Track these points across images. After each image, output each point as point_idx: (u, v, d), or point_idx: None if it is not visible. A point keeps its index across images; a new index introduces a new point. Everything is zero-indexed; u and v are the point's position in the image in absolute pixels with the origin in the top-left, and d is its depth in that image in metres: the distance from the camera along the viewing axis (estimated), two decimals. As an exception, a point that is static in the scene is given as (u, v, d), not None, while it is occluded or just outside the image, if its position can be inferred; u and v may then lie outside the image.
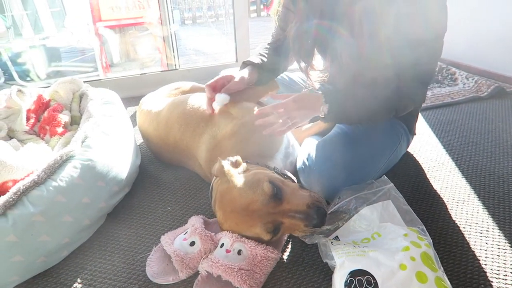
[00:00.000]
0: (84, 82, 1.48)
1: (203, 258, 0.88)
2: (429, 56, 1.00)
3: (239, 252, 0.87)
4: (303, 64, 1.20)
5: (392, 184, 1.00)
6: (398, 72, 0.98)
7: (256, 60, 1.27)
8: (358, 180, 1.04)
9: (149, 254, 0.95)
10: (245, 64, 1.28)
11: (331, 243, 0.86)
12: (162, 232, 1.02)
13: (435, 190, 1.18)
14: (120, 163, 1.12)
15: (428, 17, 0.94)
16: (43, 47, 2.73)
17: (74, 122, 1.35)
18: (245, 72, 1.22)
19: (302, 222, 0.85)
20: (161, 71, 2.39)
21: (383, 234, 0.88)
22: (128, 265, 0.95)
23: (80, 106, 1.40)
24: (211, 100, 1.16)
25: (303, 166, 1.10)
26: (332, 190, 1.02)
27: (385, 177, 1.03)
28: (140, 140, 1.54)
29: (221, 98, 1.13)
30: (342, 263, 0.78)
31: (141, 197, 1.22)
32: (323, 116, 1.01)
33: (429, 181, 1.23)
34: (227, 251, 0.88)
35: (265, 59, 1.29)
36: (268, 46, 1.35)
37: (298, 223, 0.85)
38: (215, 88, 1.17)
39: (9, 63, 2.71)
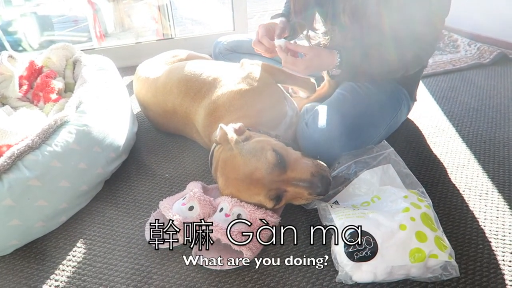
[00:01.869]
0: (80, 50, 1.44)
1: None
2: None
3: (238, 216, 0.87)
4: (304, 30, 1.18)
5: (392, 149, 0.99)
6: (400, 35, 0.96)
7: (285, 11, 1.28)
8: (358, 145, 1.03)
9: (148, 219, 0.94)
10: (275, 16, 1.27)
11: (331, 206, 0.86)
12: (160, 198, 1.02)
13: (435, 155, 1.18)
14: (116, 129, 1.10)
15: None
16: (34, 15, 2.64)
17: (68, 89, 1.32)
18: (283, 21, 1.21)
19: (306, 190, 0.84)
20: (156, 40, 2.34)
21: (383, 197, 0.88)
22: (127, 230, 0.95)
23: (74, 73, 1.37)
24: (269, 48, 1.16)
25: (302, 131, 1.08)
26: (331, 155, 1.00)
27: (385, 141, 1.02)
28: (137, 109, 1.52)
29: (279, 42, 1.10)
30: (342, 224, 0.78)
31: (138, 164, 1.21)
32: (335, 70, 1.05)
33: (429, 147, 1.22)
34: (226, 215, 0.87)
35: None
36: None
37: (302, 191, 0.84)
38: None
39: (0, 33, 2.63)
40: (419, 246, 0.71)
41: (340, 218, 0.79)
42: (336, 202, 0.93)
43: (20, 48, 2.60)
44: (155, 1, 2.69)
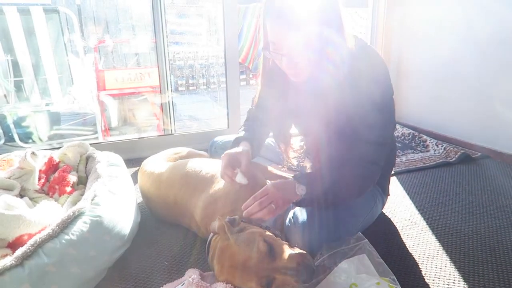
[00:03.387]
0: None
1: (199, 307, 0.97)
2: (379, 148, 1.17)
3: (233, 301, 0.97)
4: (282, 146, 1.39)
5: (366, 240, 1.13)
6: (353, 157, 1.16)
7: (247, 135, 1.36)
8: (337, 237, 1.17)
9: (148, 305, 1.03)
10: (238, 140, 1.34)
11: (314, 292, 0.97)
12: (159, 285, 1.11)
13: (408, 247, 1.31)
14: (123, 219, 1.23)
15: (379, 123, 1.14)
16: (47, 111, 2.92)
17: (80, 182, 1.48)
18: (246, 148, 1.28)
19: (292, 278, 0.96)
20: (158, 136, 2.56)
21: (359, 284, 1.00)
22: (129, 316, 1.03)
23: (86, 167, 1.54)
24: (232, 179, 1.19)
25: (289, 225, 1.23)
26: (314, 247, 1.14)
27: (360, 233, 1.17)
28: (139, 199, 1.66)
29: (240, 179, 1.15)
30: (323, 308, 0.89)
31: (140, 252, 1.31)
32: (299, 199, 1.11)
33: (402, 238, 1.37)
34: (222, 299, 0.97)
35: (252, 133, 1.38)
36: (250, 120, 1.45)
37: (289, 278, 0.96)
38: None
39: (11, 126, 2.87)
40: (390, 328, 0.82)
41: (321, 303, 0.90)
42: (319, 289, 1.04)
43: (30, 141, 2.81)
44: (157, 99, 3.01)
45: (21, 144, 2.87)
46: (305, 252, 1.03)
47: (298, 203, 1.13)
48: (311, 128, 1.18)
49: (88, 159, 1.57)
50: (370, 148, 1.14)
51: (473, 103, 2.30)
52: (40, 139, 2.80)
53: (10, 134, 2.90)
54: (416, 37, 2.70)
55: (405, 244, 1.33)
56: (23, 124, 2.80)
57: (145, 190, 1.53)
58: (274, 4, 1.02)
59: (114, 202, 1.22)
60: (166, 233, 1.43)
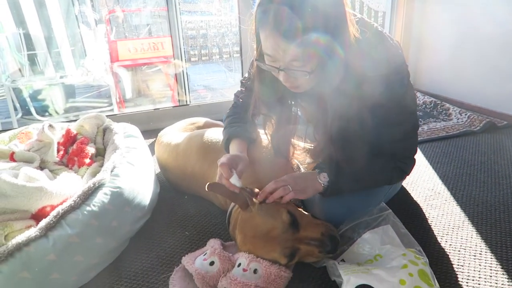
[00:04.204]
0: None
1: (222, 277, 0.97)
2: (409, 131, 1.10)
3: (255, 271, 0.96)
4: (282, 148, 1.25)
5: (390, 210, 1.11)
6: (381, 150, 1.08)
7: (243, 133, 1.24)
8: (360, 209, 1.14)
9: (171, 274, 1.03)
10: (231, 138, 1.23)
11: (338, 263, 0.96)
12: (181, 254, 1.11)
13: (432, 217, 1.28)
14: (143, 190, 1.23)
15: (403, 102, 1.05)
16: (61, 84, 2.91)
17: (98, 153, 1.47)
18: (243, 149, 1.20)
19: (317, 248, 0.95)
20: (173, 107, 2.54)
21: (384, 256, 0.98)
22: (152, 284, 1.04)
23: (103, 139, 1.53)
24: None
25: (308, 199, 1.20)
26: (336, 219, 1.11)
27: (384, 204, 1.14)
28: (157, 170, 1.66)
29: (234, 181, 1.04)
30: (349, 279, 0.88)
31: (160, 223, 1.32)
32: (322, 190, 1.06)
33: (426, 209, 1.33)
34: (244, 270, 0.97)
35: (247, 129, 1.26)
36: (239, 114, 1.32)
37: (313, 249, 0.95)
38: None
39: (28, 100, 2.88)
40: (418, 300, 0.80)
41: (346, 273, 0.89)
42: (342, 260, 1.02)
43: (47, 114, 2.82)
44: (171, 70, 2.96)
45: (38, 117, 2.89)
46: (328, 223, 1.02)
47: (323, 193, 1.08)
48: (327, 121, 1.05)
49: (105, 130, 1.56)
50: (401, 144, 1.08)
51: (499, 70, 2.19)
52: (56, 112, 2.81)
53: (27, 107, 2.92)
54: (438, 1, 2.56)
55: (429, 215, 1.30)
56: (39, 97, 2.80)
57: (162, 162, 1.52)
58: (270, 10, 0.87)
59: (133, 173, 1.21)
60: (186, 204, 1.43)
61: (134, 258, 1.14)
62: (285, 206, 1.01)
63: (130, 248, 1.18)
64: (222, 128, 1.34)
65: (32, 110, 2.88)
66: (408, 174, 1.15)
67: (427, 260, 0.94)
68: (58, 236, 0.94)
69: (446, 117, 2.30)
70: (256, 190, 1.08)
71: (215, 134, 1.41)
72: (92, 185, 1.08)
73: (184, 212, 1.38)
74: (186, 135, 1.48)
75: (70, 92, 3.07)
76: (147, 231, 1.26)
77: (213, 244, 1.06)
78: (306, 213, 1.05)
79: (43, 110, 2.82)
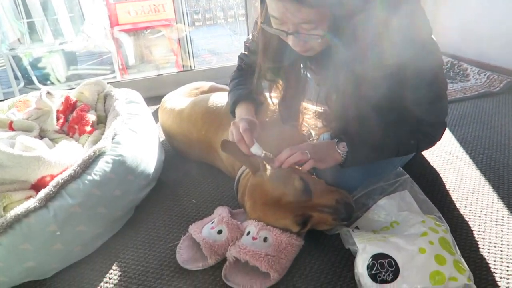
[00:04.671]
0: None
1: (231, 245, 0.93)
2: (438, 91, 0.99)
3: (265, 239, 0.92)
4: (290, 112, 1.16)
5: (408, 176, 1.04)
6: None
7: (250, 95, 1.16)
8: (375, 175, 1.08)
9: (178, 243, 1.00)
10: (238, 101, 1.15)
11: (352, 231, 0.91)
12: (188, 222, 1.07)
13: (450, 182, 1.22)
14: (147, 158, 1.18)
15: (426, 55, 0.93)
16: (61, 51, 2.82)
17: (100, 121, 1.42)
18: (251, 113, 1.12)
19: (330, 216, 0.90)
20: (177, 72, 2.46)
21: (401, 223, 0.92)
22: (159, 253, 1.00)
23: (104, 106, 1.47)
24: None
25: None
26: (350, 186, 1.05)
27: (401, 169, 1.07)
28: (162, 137, 1.60)
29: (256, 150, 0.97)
30: (364, 247, 0.83)
31: (166, 191, 1.27)
32: (341, 161, 0.97)
33: (444, 174, 1.27)
34: (254, 238, 0.93)
35: (254, 91, 1.17)
36: (244, 76, 1.23)
37: (327, 217, 0.90)
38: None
39: (28, 68, 2.80)
40: (439, 269, 0.75)
41: (361, 242, 0.84)
42: (356, 227, 0.97)
43: (48, 82, 2.76)
44: (174, 34, 2.85)
45: (40, 86, 2.83)
46: (342, 190, 0.96)
47: (343, 164, 0.97)
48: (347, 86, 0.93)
49: (106, 97, 1.49)
50: (429, 107, 0.97)
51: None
52: (58, 80, 2.74)
53: (28, 76, 2.85)
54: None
55: (447, 180, 1.23)
56: (39, 65, 2.73)
57: (166, 128, 1.46)
58: None
59: (136, 141, 1.16)
60: (192, 171, 1.38)
61: (140, 227, 1.11)
62: (297, 172, 0.95)
63: (135, 217, 1.15)
64: (228, 92, 1.27)
65: (34, 79, 2.82)
66: (438, 140, 1.07)
67: (448, 227, 0.89)
68: (59, 206, 0.90)
69: (463, 78, 2.19)
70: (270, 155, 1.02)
71: (221, 98, 1.34)
72: (92, 154, 1.03)
73: (190, 180, 1.33)
74: (191, 100, 1.41)
75: (71, 59, 2.98)
76: (152, 200, 1.22)
77: (221, 212, 1.02)
78: (319, 179, 0.99)
79: (44, 79, 2.75)
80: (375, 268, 0.78)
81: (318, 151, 0.95)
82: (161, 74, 2.39)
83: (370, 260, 0.79)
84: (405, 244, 0.80)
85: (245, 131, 0.96)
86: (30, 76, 2.81)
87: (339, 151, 0.96)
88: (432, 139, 1.06)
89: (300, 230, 0.93)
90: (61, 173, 0.99)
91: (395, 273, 0.76)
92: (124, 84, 2.28)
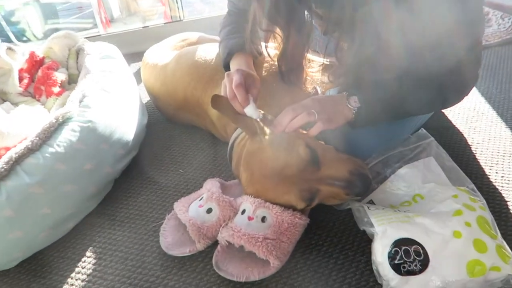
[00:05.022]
0: (84, 38, 1.34)
1: (223, 227, 0.79)
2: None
3: (263, 219, 0.77)
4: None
5: (432, 138, 0.87)
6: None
7: (247, 45, 0.97)
8: (393, 138, 0.92)
9: (162, 223, 0.86)
10: (233, 51, 0.97)
11: (367, 207, 0.76)
12: (175, 197, 0.93)
13: (477, 143, 1.05)
14: (124, 123, 1.01)
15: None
16: (37, 3, 2.55)
17: (72, 80, 1.23)
18: (250, 66, 0.95)
19: (343, 190, 0.74)
20: (164, 23, 2.22)
21: (426, 197, 0.77)
22: (140, 235, 0.87)
23: (77, 63, 1.27)
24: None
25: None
26: (363, 152, 0.89)
27: (424, 130, 0.90)
28: (146, 98, 1.42)
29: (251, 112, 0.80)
30: (384, 231, 0.68)
31: (150, 160, 1.12)
32: (352, 119, 0.81)
33: (468, 134, 1.10)
34: (250, 218, 0.78)
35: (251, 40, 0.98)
36: (238, 22, 1.04)
37: (338, 191, 0.75)
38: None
39: (3, 23, 2.54)
40: (479, 258, 0.61)
41: (381, 223, 0.69)
42: (371, 202, 0.82)
43: (25, 38, 2.51)
44: (161, -18, 2.56)
45: (18, 43, 2.58)
46: (356, 158, 0.80)
47: (353, 123, 0.81)
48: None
49: (79, 52, 1.29)
50: (461, 54, 0.78)
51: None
52: (35, 36, 2.49)
53: (3, 32, 2.60)
54: None
55: (472, 141, 1.07)
56: (13, 19, 2.46)
57: (149, 87, 1.28)
58: None
59: (110, 103, 0.98)
60: (179, 136, 1.22)
61: (119, 203, 0.97)
62: (303, 137, 0.78)
63: (114, 192, 1.00)
64: (218, 43, 1.07)
65: (11, 35, 2.56)
66: (467, 95, 0.89)
67: (485, 202, 0.73)
68: (13, 187, 0.75)
69: (485, 23, 1.95)
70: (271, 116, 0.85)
71: (211, 50, 1.14)
72: (54, 121, 0.86)
73: (177, 146, 1.17)
74: (175, 54, 1.21)
75: (49, 12, 2.71)
76: (134, 171, 1.07)
77: (211, 186, 0.86)
78: (328, 146, 0.83)
79: (20, 35, 2.50)
80: (398, 257, 0.63)
81: (326, 108, 0.78)
82: (147, 26, 2.16)
83: (392, 247, 0.65)
84: (436, 226, 0.65)
85: (237, 87, 0.79)
86: (6, 32, 2.56)
87: (349, 106, 0.80)
88: (461, 93, 0.89)
89: (306, 207, 0.78)
90: (16, 145, 0.83)
91: (424, 263, 0.62)
92: (105, 39, 2.06)
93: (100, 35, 2.16)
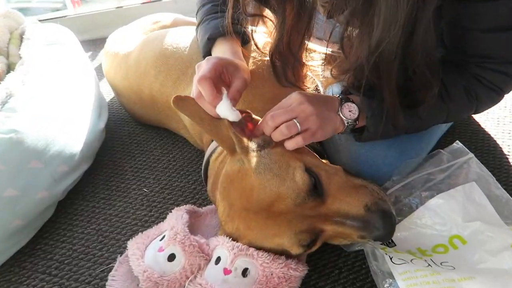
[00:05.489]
0: (51, 19, 1.10)
1: (188, 282, 0.57)
2: None
3: (245, 272, 0.56)
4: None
5: (472, 155, 0.66)
6: None
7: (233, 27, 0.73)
8: (417, 153, 0.70)
9: (113, 267, 0.64)
10: (214, 35, 0.75)
11: (390, 258, 0.54)
12: (134, 229, 0.72)
13: (513, 151, 0.84)
14: (67, 131, 0.78)
15: None
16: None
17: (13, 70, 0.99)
18: (236, 52, 0.74)
19: (357, 232, 0.53)
20: (142, 3, 1.97)
21: (470, 241, 0.56)
22: (84, 285, 0.65)
23: (20, 48, 1.03)
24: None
25: (331, 139, 0.74)
26: (378, 172, 0.68)
27: (460, 144, 0.68)
28: (111, 93, 1.19)
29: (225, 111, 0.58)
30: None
31: (108, 174, 0.89)
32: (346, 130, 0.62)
33: (503, 139, 0.89)
34: (226, 270, 0.57)
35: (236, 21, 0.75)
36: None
37: (350, 232, 0.53)
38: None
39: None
40: None
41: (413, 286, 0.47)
42: (391, 242, 0.61)
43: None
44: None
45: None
46: (373, 184, 0.58)
47: (359, 137, 0.64)
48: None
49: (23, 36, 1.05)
50: None
51: None
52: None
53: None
54: None
55: (510, 149, 0.85)
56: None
57: (110, 81, 1.05)
58: None
59: (46, 105, 0.75)
60: (148, 143, 0.99)
61: (60, 236, 0.75)
62: (301, 158, 0.57)
63: (55, 221, 0.78)
64: (196, 25, 0.84)
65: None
66: (506, 93, 0.67)
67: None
68: None
69: None
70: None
71: (184, 35, 0.92)
72: (-40, 131, 0.62)
73: (144, 156, 0.95)
74: (140, 40, 0.98)
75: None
76: (84, 191, 0.85)
77: (175, 221, 0.64)
78: (334, 166, 0.61)
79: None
80: None
81: (316, 112, 0.57)
82: (121, 7, 1.90)
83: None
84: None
85: (201, 80, 0.57)
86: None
87: (340, 115, 0.60)
88: (498, 93, 0.66)
89: (304, 252, 0.57)
90: None
91: None
92: (75, 20, 1.86)
93: (66, 16, 1.90)
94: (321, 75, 0.79)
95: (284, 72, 0.75)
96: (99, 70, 1.24)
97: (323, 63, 0.77)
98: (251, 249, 0.57)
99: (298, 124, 0.55)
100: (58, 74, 0.84)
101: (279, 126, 0.56)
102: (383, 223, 0.53)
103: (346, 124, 0.60)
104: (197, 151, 0.93)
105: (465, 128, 0.91)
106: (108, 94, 1.19)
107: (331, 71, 0.70)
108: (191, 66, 0.83)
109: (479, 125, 0.95)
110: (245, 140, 0.59)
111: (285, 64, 0.74)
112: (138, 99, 0.95)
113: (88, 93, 0.92)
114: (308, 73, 0.79)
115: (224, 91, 0.59)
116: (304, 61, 0.76)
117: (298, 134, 0.56)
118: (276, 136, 0.57)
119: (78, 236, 0.74)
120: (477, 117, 0.96)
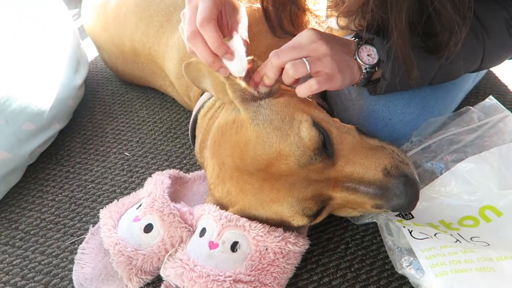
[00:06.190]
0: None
1: (167, 257, 0.48)
2: None
3: (234, 246, 0.47)
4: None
5: (509, 113, 0.55)
6: None
7: None
8: (440, 111, 0.60)
9: (83, 239, 0.55)
10: None
11: (409, 231, 0.45)
12: (111, 197, 0.63)
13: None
14: (33, 85, 0.67)
15: None
16: None
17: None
18: None
19: (372, 200, 0.44)
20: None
21: (505, 212, 0.47)
22: (50, 258, 0.57)
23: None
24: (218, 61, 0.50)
25: (339, 94, 0.63)
26: (397, 133, 0.58)
27: (493, 99, 0.58)
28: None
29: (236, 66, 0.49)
30: (444, 285, 0.37)
31: (86, 136, 0.80)
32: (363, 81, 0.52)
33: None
34: (212, 244, 0.48)
35: None
36: None
37: (364, 200, 0.44)
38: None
39: None
40: None
41: (441, 272, 0.38)
42: (408, 214, 0.51)
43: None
44: None
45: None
46: (392, 145, 0.49)
47: (374, 90, 0.54)
48: None
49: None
50: None
51: None
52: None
53: None
54: None
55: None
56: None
57: (89, 32, 0.93)
58: None
59: (9, 53, 0.64)
60: (132, 103, 0.89)
61: (28, 204, 0.66)
62: (308, 110, 0.48)
63: (22, 187, 0.69)
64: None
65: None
66: None
67: None
68: None
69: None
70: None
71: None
72: None
73: (127, 117, 0.85)
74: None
75: None
76: (59, 152, 0.75)
77: (153, 187, 0.54)
78: (345, 125, 0.51)
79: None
80: None
81: (332, 53, 0.46)
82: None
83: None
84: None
85: (204, 23, 0.46)
86: None
87: (359, 60, 0.50)
88: None
89: (308, 223, 0.47)
90: None
91: None
92: None
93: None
94: (325, 24, 0.67)
95: (278, 19, 0.63)
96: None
97: (329, 6, 0.65)
98: (243, 220, 0.47)
99: (307, 63, 0.45)
100: (23, 23, 0.73)
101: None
102: (405, 190, 0.44)
103: (363, 72, 0.50)
104: (186, 112, 0.83)
105: (498, 82, 0.79)
106: (94, 52, 1.08)
107: (337, 19, 0.58)
108: (175, 11, 0.72)
109: (506, 86, 0.83)
110: (242, 83, 0.48)
111: (280, 9, 0.62)
112: (120, 53, 0.84)
113: (62, 48, 0.80)
114: (311, 18, 0.67)
115: (235, 33, 0.48)
116: (305, 5, 0.64)
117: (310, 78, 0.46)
118: (284, 78, 0.46)
119: (48, 204, 0.65)
120: (499, 73, 0.84)
